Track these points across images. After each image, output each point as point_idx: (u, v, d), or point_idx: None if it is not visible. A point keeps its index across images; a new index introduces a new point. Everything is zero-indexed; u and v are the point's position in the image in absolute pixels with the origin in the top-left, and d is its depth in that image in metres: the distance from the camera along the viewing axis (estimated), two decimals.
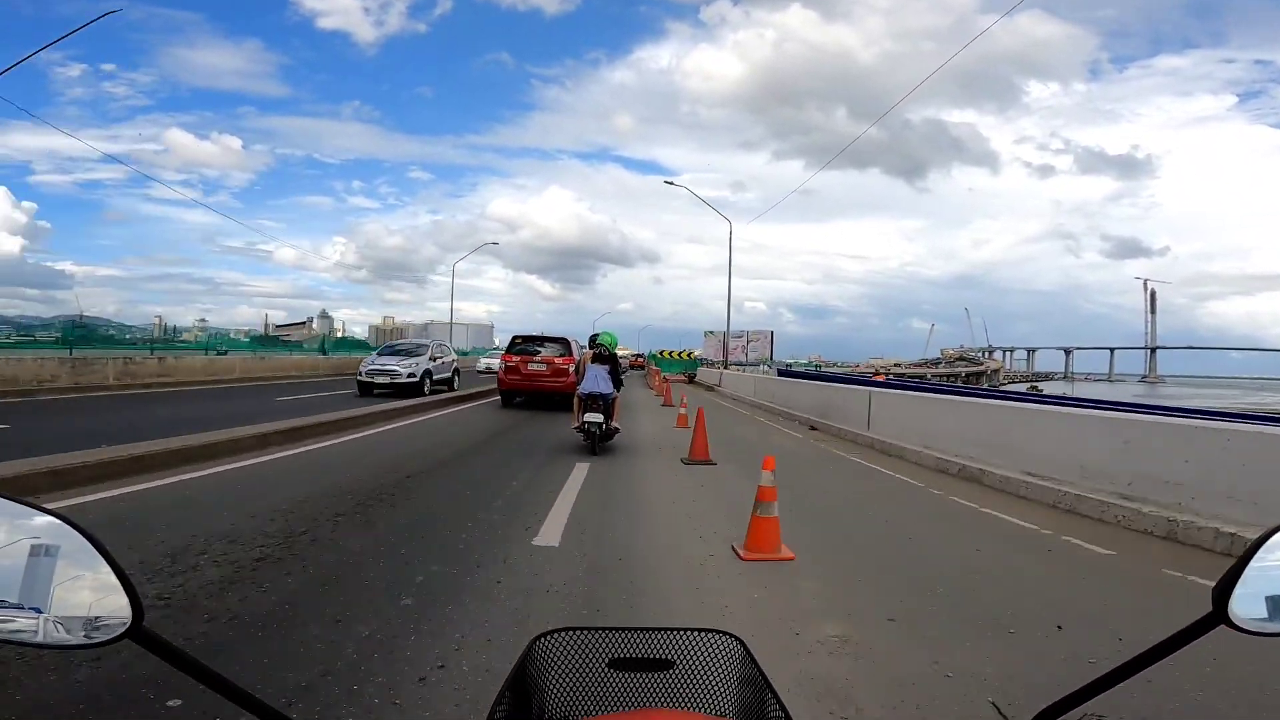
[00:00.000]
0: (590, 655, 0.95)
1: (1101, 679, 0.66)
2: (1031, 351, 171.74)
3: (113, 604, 0.63)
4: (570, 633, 0.96)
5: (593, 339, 9.48)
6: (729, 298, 31.72)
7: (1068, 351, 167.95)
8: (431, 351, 18.47)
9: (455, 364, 20.46)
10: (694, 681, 0.96)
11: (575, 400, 8.88)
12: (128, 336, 28.62)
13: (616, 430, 8.94)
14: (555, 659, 0.95)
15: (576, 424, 8.63)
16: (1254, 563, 0.64)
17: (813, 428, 12.78)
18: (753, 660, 0.93)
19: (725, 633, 0.97)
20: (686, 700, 0.96)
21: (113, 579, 0.63)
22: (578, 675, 0.95)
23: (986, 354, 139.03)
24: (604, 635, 0.96)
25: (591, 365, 8.85)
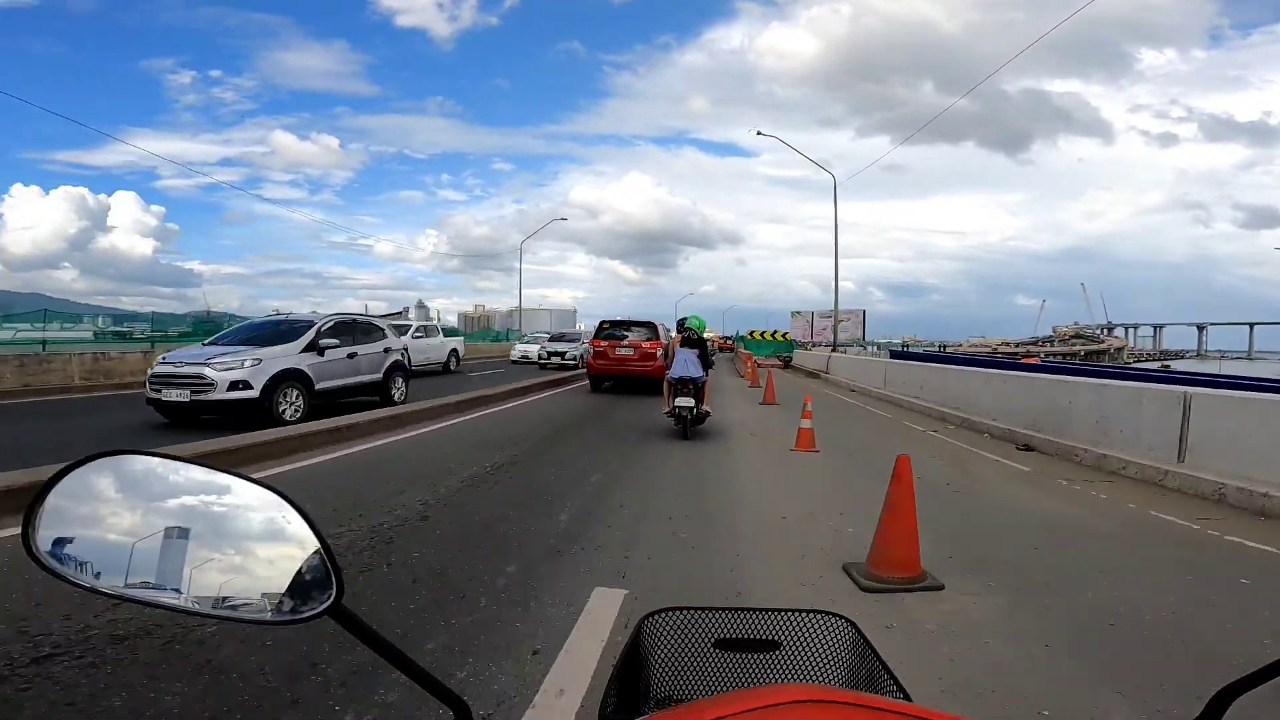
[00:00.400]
0: (696, 635, 0.94)
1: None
2: (1158, 328, 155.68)
3: (317, 580, 0.63)
4: (677, 612, 0.95)
5: (680, 323, 9.25)
6: (835, 265, 25.36)
7: (1200, 327, 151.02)
8: (315, 335, 9.57)
9: (397, 358, 11.52)
10: (801, 663, 0.93)
11: (665, 385, 8.63)
12: None
13: (708, 414, 8.65)
14: (662, 638, 0.94)
15: (667, 409, 8.42)
16: None
17: (1026, 447, 7.61)
18: (866, 642, 0.90)
19: (837, 614, 0.94)
20: (793, 681, 0.92)
21: (319, 555, 0.63)
22: (683, 654, 0.94)
23: (1106, 331, 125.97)
24: (711, 615, 0.95)
25: (680, 349, 8.58)
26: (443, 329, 24.45)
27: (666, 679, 0.94)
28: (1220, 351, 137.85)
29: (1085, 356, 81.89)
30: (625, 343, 14.59)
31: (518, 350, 27.16)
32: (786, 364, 30.31)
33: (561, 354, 21.86)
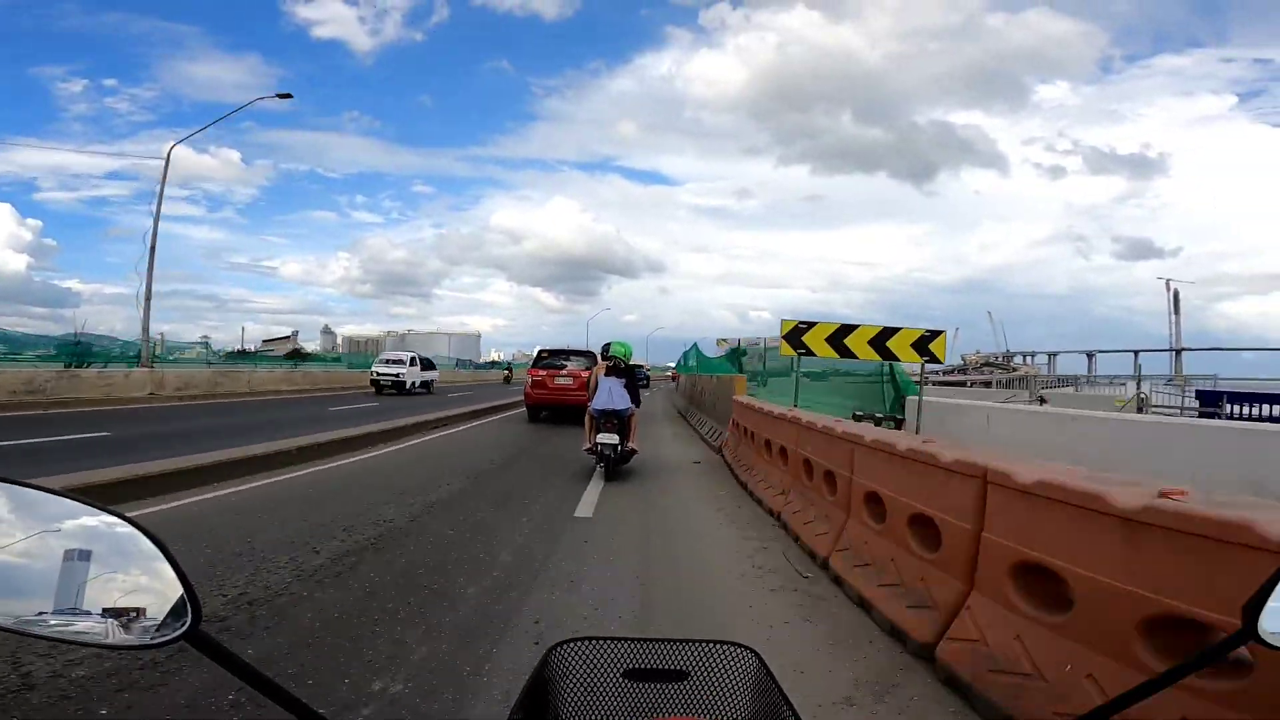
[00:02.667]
0: (606, 665, 0.95)
1: (1131, 692, 0.65)
2: (1052, 355, 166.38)
3: (172, 606, 0.63)
4: (586, 642, 0.95)
5: (605, 349, 8.25)
6: None
7: (1090, 355, 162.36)
8: None
9: None
10: (709, 693, 0.94)
11: (586, 419, 7.74)
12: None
13: (634, 452, 7.78)
14: (571, 668, 0.94)
15: (588, 446, 7.59)
16: None
17: None
18: (768, 673, 0.92)
19: (741, 645, 0.96)
20: (701, 711, 0.94)
21: (174, 581, 0.64)
22: (593, 685, 0.94)
23: (1006, 358, 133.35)
24: (620, 645, 0.96)
25: (604, 379, 7.68)
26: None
27: (575, 710, 0.94)
28: (1109, 377, 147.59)
29: (1006, 385, 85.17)
30: (564, 372, 14.52)
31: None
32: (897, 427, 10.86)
33: None
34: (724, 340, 51.64)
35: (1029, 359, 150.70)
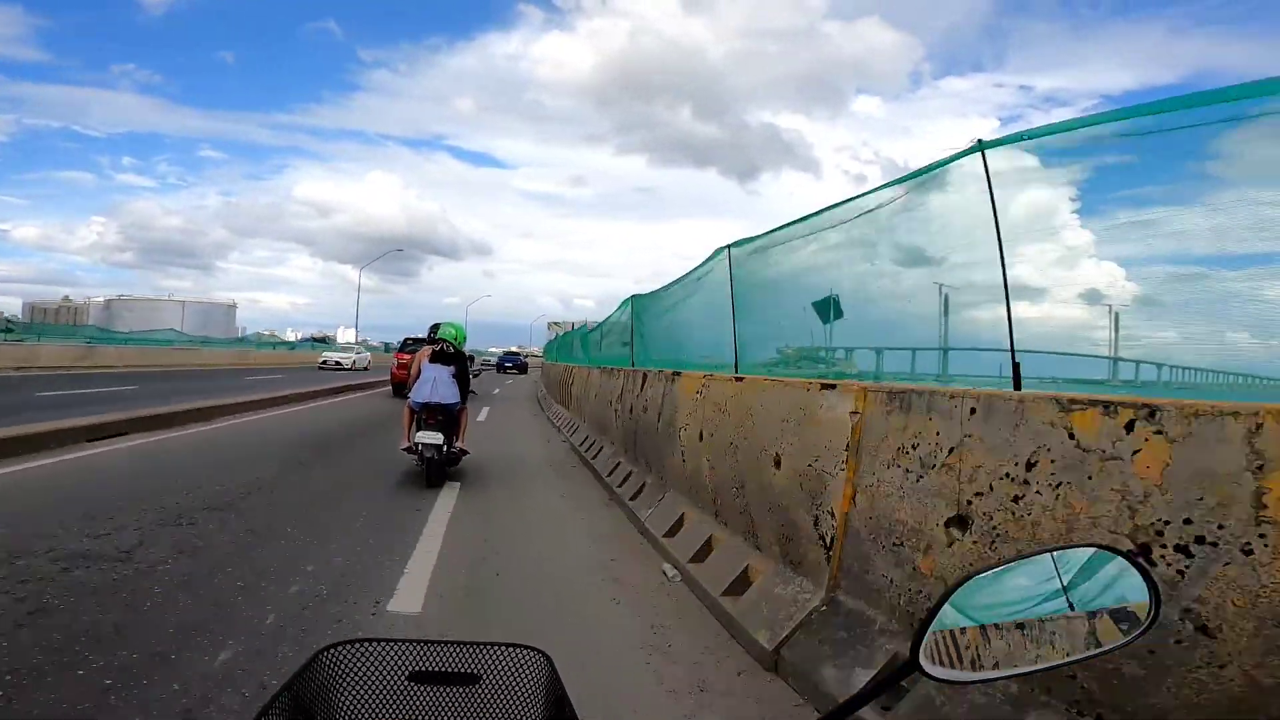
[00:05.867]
0: (388, 669, 0.87)
1: None
2: (849, 351, 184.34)
3: None
4: (363, 644, 0.87)
5: (432, 330, 7.32)
6: None
7: (879, 351, 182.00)
8: None
9: None
10: (500, 697, 0.90)
11: (405, 412, 6.47)
12: None
13: (464, 453, 6.57)
14: (346, 672, 0.86)
15: (406, 444, 6.31)
16: (941, 614, 0.65)
17: None
18: (557, 677, 0.90)
19: (533, 648, 0.92)
20: (491, 717, 0.90)
21: None
22: (373, 689, 0.86)
23: (814, 352, 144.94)
24: (403, 647, 0.89)
25: (429, 365, 6.35)
26: None
27: (352, 717, 0.86)
28: (892, 372, 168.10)
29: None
30: None
31: None
32: None
33: None
34: (556, 324, 48.21)
35: (830, 354, 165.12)
